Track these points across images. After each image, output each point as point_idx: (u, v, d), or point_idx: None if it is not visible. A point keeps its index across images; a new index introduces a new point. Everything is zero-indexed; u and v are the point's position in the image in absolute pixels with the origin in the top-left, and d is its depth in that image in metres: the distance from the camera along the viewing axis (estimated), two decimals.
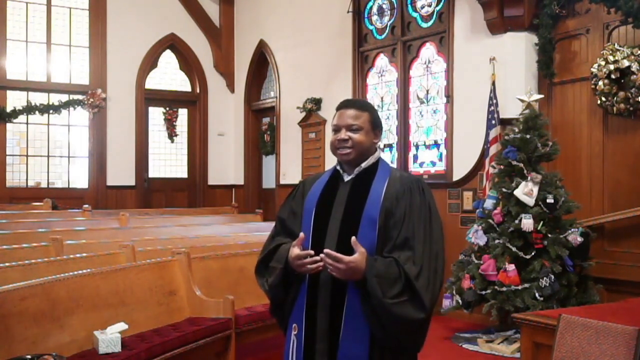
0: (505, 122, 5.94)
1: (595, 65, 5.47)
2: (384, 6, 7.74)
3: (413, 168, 7.33)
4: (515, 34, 6.07)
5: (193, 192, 10.33)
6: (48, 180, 9.38)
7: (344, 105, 2.29)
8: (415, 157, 7.35)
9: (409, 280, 2.05)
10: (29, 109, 9.06)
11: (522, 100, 5.42)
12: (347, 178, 2.27)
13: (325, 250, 2.03)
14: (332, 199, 2.24)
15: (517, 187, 5.11)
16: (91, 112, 9.44)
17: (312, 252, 2.10)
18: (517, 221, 5.01)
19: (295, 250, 2.12)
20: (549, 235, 4.95)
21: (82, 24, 9.58)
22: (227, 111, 10.48)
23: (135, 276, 4.16)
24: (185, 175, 10.37)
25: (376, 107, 7.62)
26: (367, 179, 2.23)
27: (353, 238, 2.05)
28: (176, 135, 10.29)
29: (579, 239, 4.93)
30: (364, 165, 2.25)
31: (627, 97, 5.27)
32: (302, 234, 2.15)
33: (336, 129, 2.26)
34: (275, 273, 2.22)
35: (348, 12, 7.97)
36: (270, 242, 2.35)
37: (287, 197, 2.44)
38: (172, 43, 10.10)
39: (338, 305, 2.12)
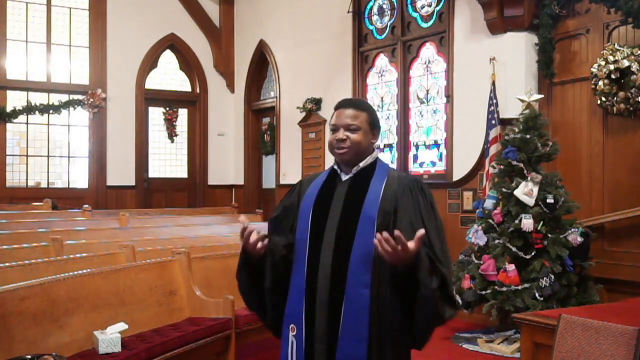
0: (505, 122, 5.94)
1: (595, 65, 5.47)
2: (384, 6, 7.74)
3: (413, 168, 7.33)
4: (515, 34, 6.07)
5: (193, 192, 10.33)
6: (48, 180, 9.38)
7: (342, 104, 2.28)
8: (415, 157, 7.35)
9: (443, 277, 2.05)
10: (29, 109, 9.05)
11: (522, 100, 5.42)
12: (344, 177, 2.26)
13: (396, 233, 1.91)
14: (329, 199, 2.24)
15: (517, 187, 5.11)
16: (91, 112, 9.44)
17: (243, 219, 2.16)
18: (517, 221, 5.01)
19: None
20: (549, 235, 4.95)
21: (82, 24, 9.57)
22: (227, 111, 10.48)
23: (135, 276, 4.17)
24: (185, 175, 10.37)
25: (376, 107, 7.68)
26: (364, 178, 2.23)
27: (421, 231, 1.94)
28: (176, 135, 10.29)
29: (579, 239, 4.93)
30: (361, 164, 2.25)
31: (627, 97, 5.27)
32: (242, 217, 2.20)
33: (334, 129, 2.26)
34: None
35: (348, 12, 7.97)
36: None
37: (284, 196, 2.44)
38: (172, 43, 10.10)
39: (336, 305, 2.12)
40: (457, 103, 6.71)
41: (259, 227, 2.24)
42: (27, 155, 9.25)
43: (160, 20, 9.90)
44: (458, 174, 6.62)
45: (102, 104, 9.45)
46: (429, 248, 2.07)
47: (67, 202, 8.72)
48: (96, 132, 9.51)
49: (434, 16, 7.13)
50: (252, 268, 2.26)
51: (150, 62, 9.92)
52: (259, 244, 2.12)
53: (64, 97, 9.32)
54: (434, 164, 7.13)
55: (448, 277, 2.06)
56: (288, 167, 9.13)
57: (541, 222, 4.96)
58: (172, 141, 10.28)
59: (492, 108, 6.00)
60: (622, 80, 5.28)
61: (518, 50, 6.07)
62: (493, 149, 5.89)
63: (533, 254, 4.95)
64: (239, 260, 2.29)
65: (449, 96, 6.81)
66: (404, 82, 7.46)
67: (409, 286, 2.02)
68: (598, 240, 5.27)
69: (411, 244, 1.93)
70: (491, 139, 5.95)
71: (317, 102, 8.53)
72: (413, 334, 2.11)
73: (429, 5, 7.19)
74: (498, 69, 6.12)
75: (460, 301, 5.30)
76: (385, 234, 1.93)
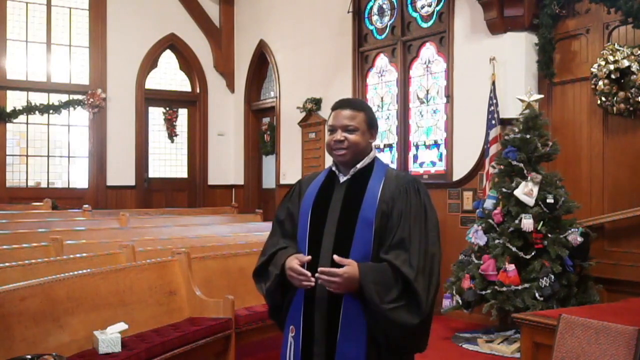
0: (505, 122, 5.94)
1: (595, 65, 5.47)
2: (384, 6, 7.74)
3: (413, 168, 7.33)
4: (515, 34, 6.07)
5: (193, 192, 10.33)
6: (48, 180, 9.38)
7: (339, 105, 2.28)
8: (415, 157, 7.35)
9: (407, 284, 2.04)
10: (29, 109, 9.05)
11: (522, 100, 5.42)
12: (342, 179, 2.26)
13: (319, 269, 2.04)
14: (328, 201, 2.24)
15: (517, 187, 5.11)
16: (91, 112, 9.44)
17: (308, 273, 2.08)
18: (517, 221, 5.01)
19: (293, 264, 2.12)
20: (549, 235, 4.95)
21: (82, 24, 9.57)
22: (227, 111, 10.48)
23: (135, 276, 4.17)
24: (185, 175, 10.37)
25: (376, 107, 7.68)
26: (362, 179, 2.22)
27: (335, 256, 2.06)
28: (176, 135, 10.29)
29: (579, 239, 4.93)
30: (359, 165, 2.25)
31: (627, 97, 5.27)
32: (308, 257, 2.14)
33: (332, 130, 2.25)
34: (272, 278, 2.23)
35: (348, 12, 7.97)
36: (268, 244, 2.35)
37: (284, 197, 2.44)
38: (172, 43, 10.09)
39: (335, 306, 2.12)
40: (457, 103, 6.71)
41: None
42: (27, 155, 9.25)
43: (160, 20, 9.90)
44: (458, 174, 6.62)
45: (102, 104, 9.45)
46: (406, 252, 2.07)
47: (67, 202, 8.73)
48: (96, 132, 9.51)
49: (434, 16, 7.12)
50: (283, 287, 2.25)
51: (150, 62, 9.92)
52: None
53: (64, 97, 9.31)
54: (434, 164, 7.13)
55: (414, 282, 2.04)
56: (288, 167, 9.13)
57: (541, 222, 4.96)
58: (172, 141, 10.28)
59: (492, 108, 6.00)
60: (622, 80, 5.28)
61: (518, 50, 6.06)
62: (493, 149, 5.89)
63: (533, 254, 4.95)
64: (275, 282, 2.23)
65: (449, 96, 6.81)
66: (404, 82, 7.45)
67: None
68: (598, 240, 5.26)
69: (341, 269, 2.02)
70: (491, 139, 5.95)
71: (317, 102, 8.53)
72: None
73: (429, 5, 7.19)
74: (498, 69, 6.12)
75: (460, 301, 5.30)
76: (320, 269, 2.04)
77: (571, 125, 5.88)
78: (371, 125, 2.27)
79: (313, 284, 2.08)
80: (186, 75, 10.38)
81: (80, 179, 9.57)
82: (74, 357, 3.41)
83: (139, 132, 9.80)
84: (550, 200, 4.99)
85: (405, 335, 2.08)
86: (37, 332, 3.33)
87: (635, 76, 5.19)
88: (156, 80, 10.08)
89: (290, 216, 2.34)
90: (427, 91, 7.23)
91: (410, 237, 2.09)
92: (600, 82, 5.39)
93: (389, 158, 7.55)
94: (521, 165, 5.16)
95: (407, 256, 2.07)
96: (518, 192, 5.08)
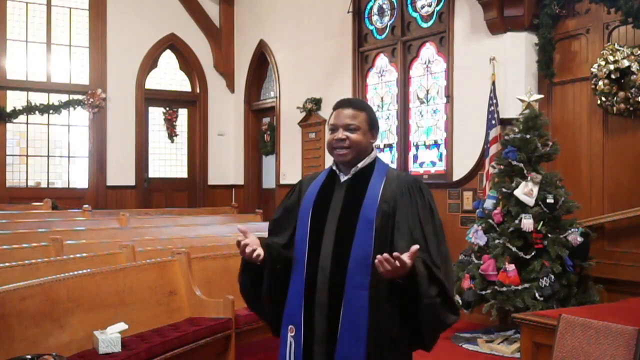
0: (505, 122, 5.94)
1: (595, 65, 5.47)
2: (384, 6, 7.74)
3: (413, 168, 7.33)
4: (515, 34, 6.07)
5: (193, 192, 10.33)
6: (48, 180, 9.38)
7: (340, 104, 2.28)
8: (415, 157, 7.35)
9: (442, 283, 2.05)
10: (29, 109, 9.05)
11: (522, 100, 5.43)
12: (343, 178, 2.26)
13: (395, 254, 1.91)
14: (328, 200, 2.23)
15: (517, 187, 5.11)
16: (91, 112, 9.44)
17: (241, 238, 2.12)
18: (517, 221, 5.01)
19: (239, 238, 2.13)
20: (549, 235, 4.95)
21: (82, 24, 9.57)
22: (227, 111, 10.48)
23: (135, 276, 4.17)
24: (185, 175, 10.37)
25: (376, 107, 7.69)
26: (363, 179, 2.22)
27: (415, 246, 1.94)
28: (176, 135, 10.29)
29: (579, 239, 4.93)
30: (360, 165, 2.24)
31: (627, 97, 5.27)
32: (240, 226, 2.18)
33: (333, 129, 2.25)
34: (240, 270, 2.30)
35: (348, 12, 7.97)
36: None
37: (284, 197, 2.44)
38: (172, 43, 10.09)
39: (335, 306, 2.12)
40: (457, 103, 6.71)
41: (255, 229, 2.23)
42: (27, 155, 9.25)
43: (160, 20, 9.90)
44: (458, 174, 6.62)
45: (102, 104, 9.44)
46: (426, 253, 2.07)
47: (67, 202, 8.72)
48: (96, 132, 9.51)
49: (434, 16, 7.13)
50: (252, 272, 2.26)
51: (150, 62, 9.92)
52: (254, 254, 2.11)
53: (64, 97, 9.31)
54: (434, 164, 7.13)
55: (446, 282, 2.06)
56: (288, 167, 9.13)
57: (541, 222, 4.96)
58: (172, 141, 10.28)
59: (492, 108, 6.00)
60: (622, 80, 5.28)
61: (518, 50, 6.06)
62: (493, 149, 5.89)
63: (533, 254, 4.95)
64: (240, 264, 2.29)
65: (449, 96, 6.81)
66: (404, 82, 7.45)
67: (408, 296, 2.03)
68: (598, 240, 5.26)
69: (407, 259, 1.92)
70: (491, 139, 5.95)
71: (317, 102, 8.53)
72: (416, 338, 2.13)
73: (429, 5, 7.19)
74: (498, 69, 6.12)
75: (460, 301, 5.30)
76: (386, 255, 1.91)
77: (571, 125, 5.88)
78: (372, 126, 2.27)
79: (260, 251, 2.09)
80: (186, 75, 10.37)
81: (80, 179, 9.56)
82: (74, 357, 3.42)
83: (139, 132, 9.79)
84: (550, 200, 4.99)
85: (439, 331, 2.13)
86: (37, 332, 3.33)
87: (635, 76, 5.19)
88: (156, 80, 10.08)
89: (286, 215, 2.35)
90: (427, 91, 7.23)
91: (426, 238, 2.09)
92: (600, 82, 5.39)
93: (389, 158, 7.55)
94: (521, 165, 5.16)
95: (430, 257, 2.07)
96: (518, 192, 5.08)
